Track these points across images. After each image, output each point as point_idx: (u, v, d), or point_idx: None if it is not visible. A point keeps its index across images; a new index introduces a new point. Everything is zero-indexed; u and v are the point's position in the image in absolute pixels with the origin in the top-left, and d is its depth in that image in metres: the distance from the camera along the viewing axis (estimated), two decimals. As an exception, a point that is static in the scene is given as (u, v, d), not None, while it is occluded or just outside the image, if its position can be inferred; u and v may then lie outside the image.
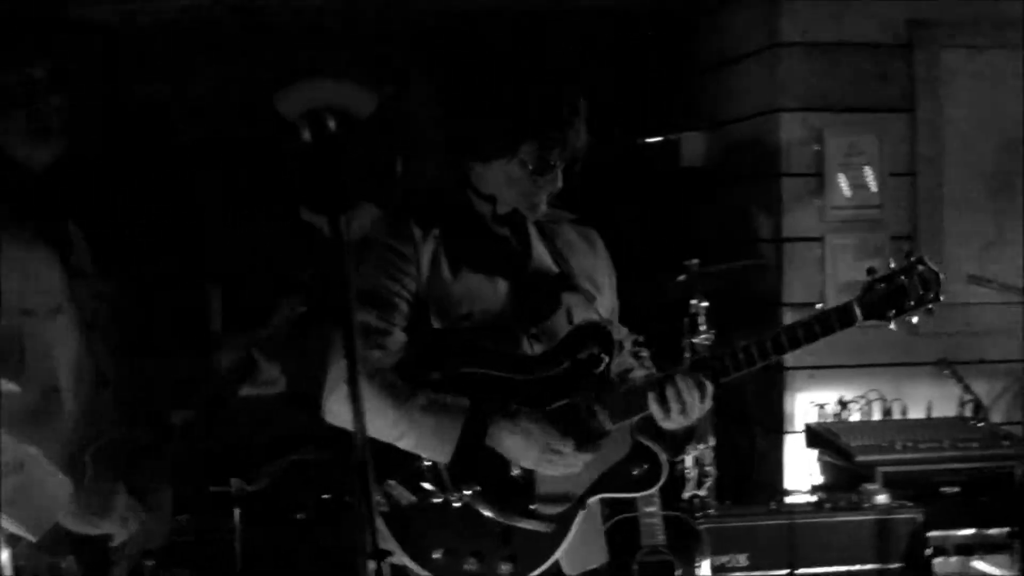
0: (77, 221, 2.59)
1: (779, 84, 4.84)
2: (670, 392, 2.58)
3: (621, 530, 3.93)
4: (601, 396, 2.66)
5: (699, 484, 4.33)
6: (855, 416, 4.74)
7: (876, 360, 4.84)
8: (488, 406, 2.60)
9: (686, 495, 4.30)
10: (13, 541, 2.35)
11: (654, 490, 2.78)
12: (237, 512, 3.88)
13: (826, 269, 4.84)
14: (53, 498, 2.37)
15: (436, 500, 2.60)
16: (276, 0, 4.87)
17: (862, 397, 4.74)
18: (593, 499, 2.70)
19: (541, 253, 2.80)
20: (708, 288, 4.24)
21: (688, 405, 2.58)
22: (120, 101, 4.51)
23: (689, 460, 4.33)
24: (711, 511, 4.24)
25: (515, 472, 2.64)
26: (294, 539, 4.14)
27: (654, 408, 2.60)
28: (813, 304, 2.98)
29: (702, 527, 4.05)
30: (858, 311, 2.55)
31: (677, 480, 4.33)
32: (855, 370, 4.84)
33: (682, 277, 4.28)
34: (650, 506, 3.92)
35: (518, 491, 2.64)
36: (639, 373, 2.85)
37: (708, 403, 2.61)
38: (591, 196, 4.95)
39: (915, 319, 2.55)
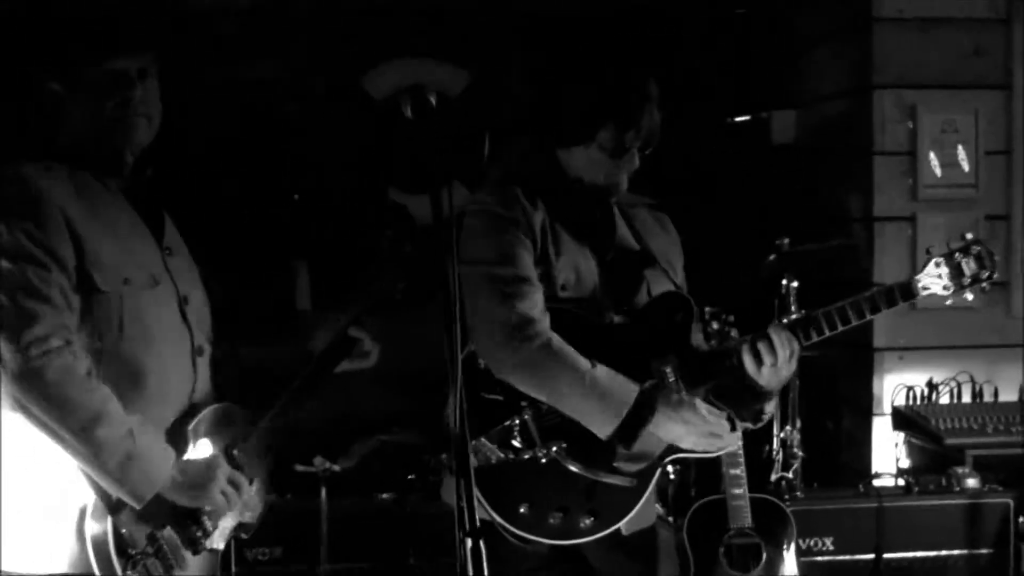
0: (167, 204, 2.65)
1: (873, 60, 4.76)
2: (763, 346, 2.75)
3: (709, 511, 3.93)
4: (683, 360, 2.82)
5: (786, 466, 4.31)
6: (944, 399, 4.67)
7: (967, 342, 4.77)
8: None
9: (773, 477, 4.29)
10: (117, 508, 2.39)
11: (723, 451, 2.96)
12: (324, 491, 3.91)
13: (917, 249, 4.75)
14: (158, 467, 2.41)
15: (524, 456, 2.75)
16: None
17: (952, 379, 4.66)
18: (670, 458, 2.86)
19: (624, 232, 2.99)
20: (799, 268, 4.19)
21: (780, 359, 2.74)
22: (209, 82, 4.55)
23: (776, 442, 4.32)
24: (798, 494, 4.22)
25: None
26: (380, 518, 4.14)
27: (748, 362, 2.76)
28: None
29: (789, 509, 4.03)
30: (919, 286, 2.78)
31: (764, 462, 4.32)
32: (945, 352, 4.77)
33: (772, 257, 4.24)
34: (737, 487, 3.90)
35: (602, 448, 2.78)
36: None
37: (794, 364, 2.79)
38: (682, 175, 4.95)
39: (970, 296, 2.79)
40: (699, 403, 2.78)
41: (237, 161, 4.77)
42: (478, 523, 1.91)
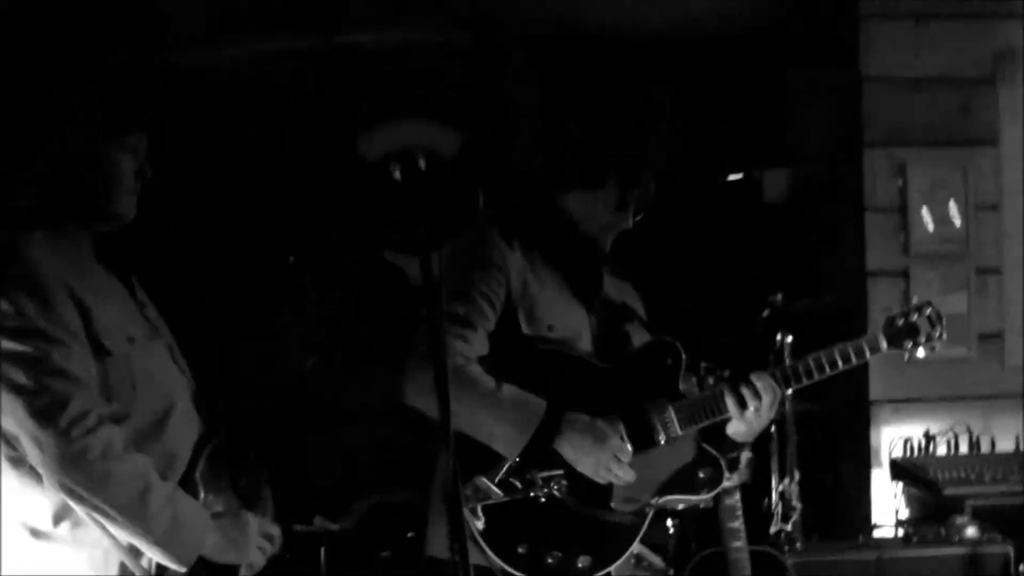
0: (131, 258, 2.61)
1: (862, 119, 4.86)
2: (747, 390, 2.85)
3: (710, 564, 3.96)
4: (674, 404, 2.88)
5: (785, 518, 4.34)
6: (942, 449, 4.71)
7: (963, 393, 4.82)
8: (564, 409, 2.80)
9: (773, 530, 4.32)
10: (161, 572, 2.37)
11: (713, 494, 3.01)
12: (323, 551, 3.91)
13: (911, 303, 4.81)
14: (200, 531, 2.39)
15: (523, 496, 2.79)
16: (368, 39, 4.97)
17: (949, 430, 4.71)
18: (662, 499, 2.92)
19: (608, 283, 3.05)
20: (793, 323, 4.25)
21: (764, 404, 2.85)
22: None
23: (775, 495, 4.36)
24: (798, 546, 4.25)
25: (601, 482, 2.83)
26: None
27: (731, 405, 2.85)
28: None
29: (789, 561, 4.06)
30: (883, 341, 2.98)
31: (764, 515, 4.36)
32: (940, 403, 4.81)
33: (766, 312, 4.31)
34: (737, 540, 3.94)
35: (599, 488, 2.83)
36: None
37: (775, 411, 2.90)
38: (677, 232, 5.02)
39: (921, 354, 3.03)
40: (611, 431, 2.81)
41: (230, 219, 4.83)
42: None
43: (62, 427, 2.25)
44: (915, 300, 3.10)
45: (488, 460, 2.80)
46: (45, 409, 2.26)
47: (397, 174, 2.20)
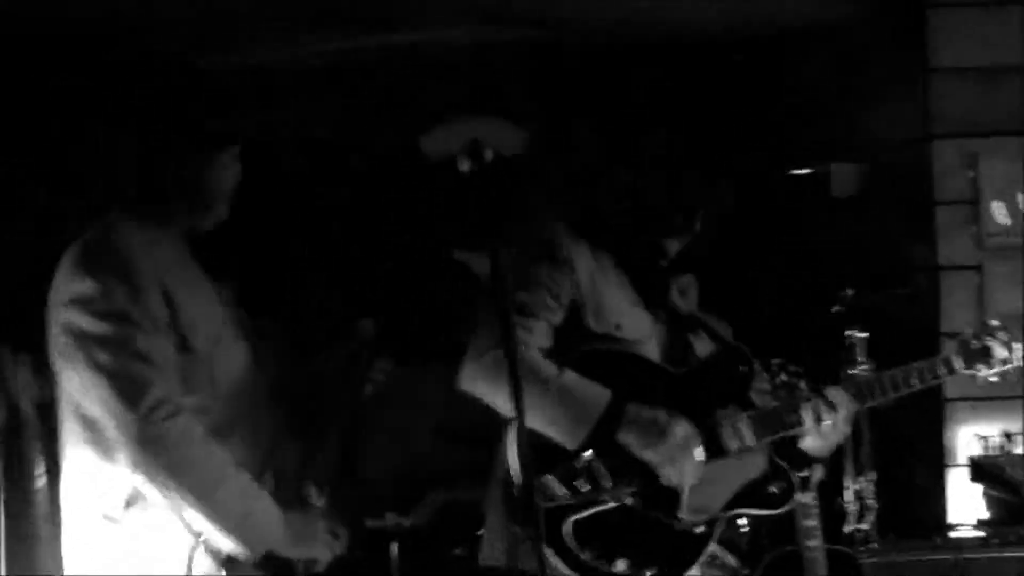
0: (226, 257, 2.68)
1: (932, 110, 4.78)
2: (823, 406, 2.83)
3: (783, 563, 3.89)
4: (747, 413, 2.83)
5: (860, 518, 4.26)
6: (1019, 449, 4.61)
7: (1038, 391, 4.73)
8: (626, 402, 2.74)
9: (847, 529, 4.25)
10: (227, 562, 2.39)
11: (782, 511, 2.96)
12: (395, 547, 3.91)
13: (985, 297, 4.72)
14: (271, 525, 2.42)
15: (590, 500, 2.71)
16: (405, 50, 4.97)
17: (1027, 429, 4.61)
18: (731, 512, 2.86)
19: (674, 294, 3.00)
20: (864, 318, 4.18)
21: (839, 417, 2.84)
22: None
23: (850, 494, 4.28)
24: (874, 545, 4.17)
25: (664, 481, 2.75)
26: (451, 574, 4.14)
27: (806, 417, 2.83)
28: (973, 333, 3.10)
29: (865, 561, 3.98)
30: (958, 362, 3.00)
31: (838, 514, 4.28)
32: (1018, 402, 4.71)
33: (837, 307, 4.23)
34: (812, 539, 3.86)
35: (668, 497, 2.76)
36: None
37: (849, 424, 2.90)
38: (745, 230, 4.96)
39: (994, 378, 3.04)
40: (680, 428, 2.75)
41: (298, 217, 4.85)
42: None
43: (143, 409, 2.29)
44: (991, 322, 3.10)
45: (555, 459, 2.72)
46: (126, 390, 2.29)
47: (465, 167, 2.19)
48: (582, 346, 2.82)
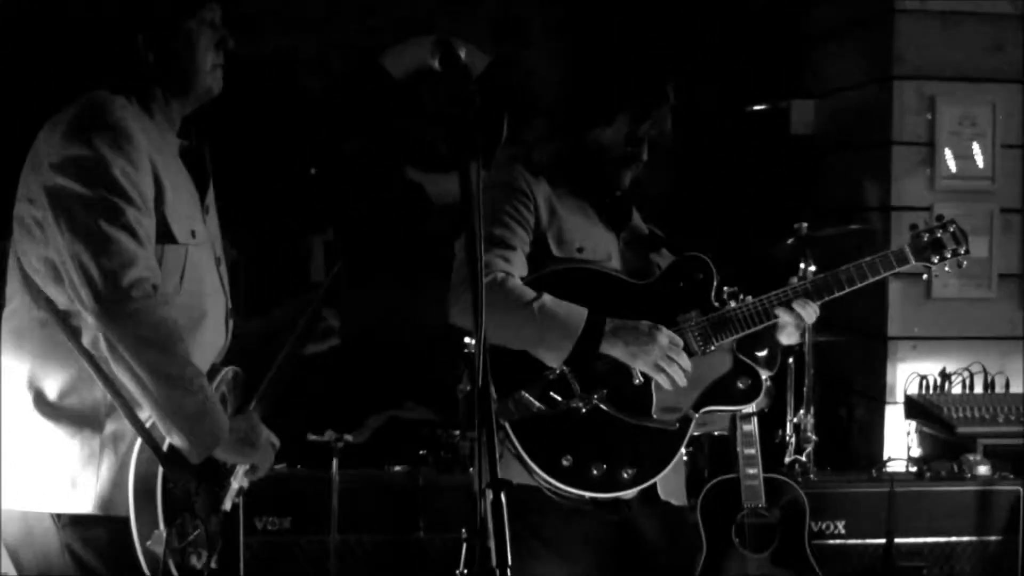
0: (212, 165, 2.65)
1: (894, 51, 4.80)
2: (798, 303, 2.95)
3: (722, 491, 3.97)
4: (708, 316, 2.95)
5: (799, 450, 4.35)
6: (956, 388, 4.70)
7: (980, 333, 4.81)
8: (603, 316, 2.86)
9: (787, 460, 4.33)
10: (168, 459, 2.34)
11: (754, 405, 3.13)
12: (335, 462, 3.90)
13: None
14: (221, 424, 2.38)
15: (564, 407, 2.84)
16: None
17: (965, 369, 4.70)
18: (703, 410, 2.96)
19: (636, 215, 3.11)
20: (816, 252, 4.23)
21: (807, 315, 2.96)
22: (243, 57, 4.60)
23: (790, 426, 4.36)
24: (811, 476, 4.26)
25: (637, 381, 2.87)
26: (391, 491, 4.11)
27: (784, 317, 2.94)
28: (920, 274, 3.14)
29: (803, 492, 4.06)
30: (910, 253, 3.06)
31: (777, 446, 4.36)
32: (958, 342, 4.81)
33: (791, 240, 4.28)
34: (752, 467, 3.94)
35: (639, 399, 2.89)
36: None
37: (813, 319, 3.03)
38: (700, 162, 4.97)
39: (947, 268, 3.10)
40: (662, 334, 2.86)
41: (256, 133, 4.79)
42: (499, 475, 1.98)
43: (125, 284, 2.25)
44: (943, 216, 3.13)
45: (527, 375, 2.84)
46: (107, 257, 2.25)
47: (436, 63, 2.16)
48: (549, 270, 2.93)
